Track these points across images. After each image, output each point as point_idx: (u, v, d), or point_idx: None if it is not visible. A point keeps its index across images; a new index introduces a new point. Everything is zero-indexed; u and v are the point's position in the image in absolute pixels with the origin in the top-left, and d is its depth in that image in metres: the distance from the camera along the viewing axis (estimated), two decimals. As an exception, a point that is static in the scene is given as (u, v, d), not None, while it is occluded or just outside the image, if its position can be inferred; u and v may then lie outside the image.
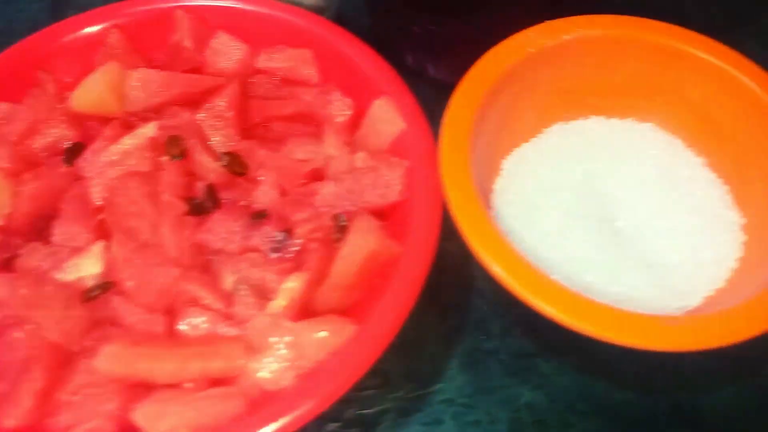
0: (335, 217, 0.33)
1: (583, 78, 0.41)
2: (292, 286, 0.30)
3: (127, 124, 0.37)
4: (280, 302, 0.30)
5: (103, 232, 0.34)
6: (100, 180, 0.35)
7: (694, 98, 0.39)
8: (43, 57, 0.39)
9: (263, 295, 0.31)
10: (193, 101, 0.37)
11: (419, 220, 0.32)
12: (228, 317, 0.31)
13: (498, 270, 0.32)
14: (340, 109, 0.36)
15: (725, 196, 0.39)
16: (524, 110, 0.40)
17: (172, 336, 0.31)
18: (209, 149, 0.36)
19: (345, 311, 0.33)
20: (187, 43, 0.38)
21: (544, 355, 0.38)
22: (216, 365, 0.29)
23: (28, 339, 0.30)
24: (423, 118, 0.36)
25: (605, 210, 0.39)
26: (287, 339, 0.30)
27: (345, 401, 0.35)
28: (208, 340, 0.30)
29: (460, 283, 0.40)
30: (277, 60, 0.39)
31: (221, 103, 0.36)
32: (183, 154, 0.36)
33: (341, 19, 0.49)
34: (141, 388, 0.30)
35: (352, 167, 0.34)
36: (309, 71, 0.39)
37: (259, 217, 0.34)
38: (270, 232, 0.33)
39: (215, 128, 0.36)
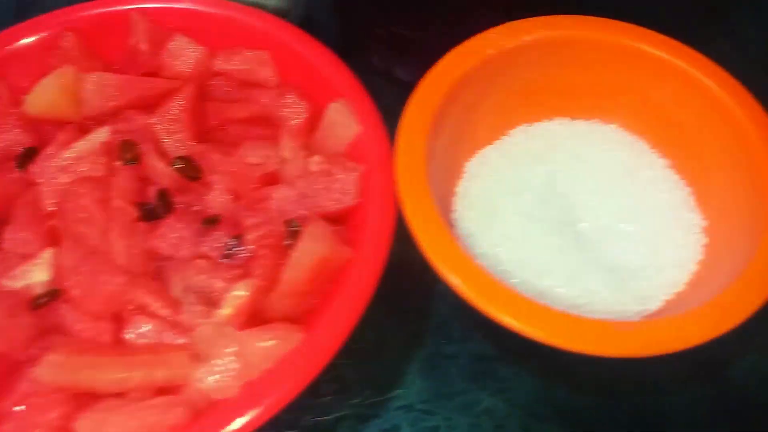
0: (288, 223, 0.33)
1: (546, 79, 0.40)
2: (238, 293, 0.30)
3: (83, 128, 0.37)
4: (225, 310, 0.30)
5: (54, 239, 0.33)
6: (52, 186, 0.34)
7: (656, 99, 0.39)
8: (-3, 61, 0.38)
9: (211, 302, 0.31)
10: (151, 105, 0.37)
11: (372, 225, 0.32)
12: (176, 325, 0.31)
13: (449, 276, 0.31)
14: (295, 111, 0.36)
15: (688, 198, 0.39)
16: (487, 112, 0.40)
17: (118, 344, 0.31)
18: (163, 153, 0.35)
19: (299, 318, 0.32)
20: (143, 46, 0.38)
21: (505, 360, 0.38)
22: (160, 374, 0.29)
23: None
24: (380, 121, 0.35)
25: (567, 212, 0.38)
26: (232, 348, 0.29)
27: (301, 408, 0.35)
28: (153, 348, 0.30)
29: (421, 287, 0.39)
30: (234, 62, 0.38)
31: (176, 106, 0.36)
32: (136, 159, 0.35)
33: (309, 22, 0.49)
34: (87, 397, 0.29)
35: (306, 171, 0.34)
36: (267, 73, 0.38)
37: (211, 222, 0.34)
38: (221, 238, 0.33)
39: (169, 132, 0.36)
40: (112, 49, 0.39)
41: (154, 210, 0.34)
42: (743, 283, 0.31)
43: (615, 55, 0.39)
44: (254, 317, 0.32)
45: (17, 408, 0.29)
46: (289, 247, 0.32)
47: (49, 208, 0.34)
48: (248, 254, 0.32)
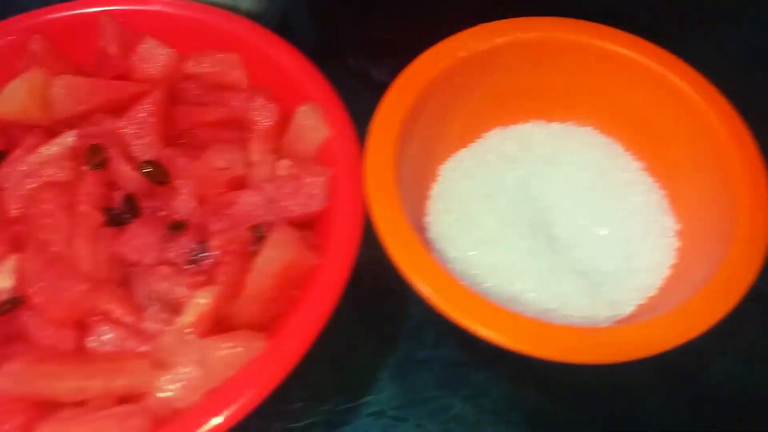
0: (253, 228, 0.32)
1: (521, 81, 0.40)
2: (200, 301, 0.30)
3: (51, 132, 0.36)
4: (187, 318, 0.29)
5: (18, 245, 0.33)
6: (17, 191, 0.34)
7: (630, 101, 0.39)
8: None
9: (174, 309, 0.31)
10: (120, 108, 0.37)
11: (339, 230, 0.32)
12: (139, 333, 0.31)
13: (416, 282, 0.31)
14: (264, 114, 0.35)
15: (662, 201, 0.38)
16: (460, 115, 0.40)
17: (81, 352, 0.30)
18: (130, 158, 0.35)
19: (265, 324, 0.32)
20: (113, 49, 0.37)
21: (477, 365, 0.38)
22: (120, 383, 0.29)
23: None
24: (350, 124, 0.35)
25: (541, 216, 0.38)
26: (194, 356, 0.29)
27: (271, 415, 0.35)
28: (115, 356, 0.30)
29: (394, 292, 0.39)
30: (204, 65, 0.38)
31: (144, 110, 0.35)
32: (104, 163, 0.35)
33: (286, 24, 0.49)
34: (48, 406, 0.29)
35: (274, 175, 0.34)
36: (237, 76, 0.38)
37: (176, 228, 0.33)
38: (186, 244, 0.32)
39: (137, 136, 0.35)
40: (82, 52, 0.39)
41: (120, 215, 0.34)
42: (712, 287, 0.31)
43: (588, 57, 0.38)
44: (220, 324, 0.31)
45: (-23, 417, 0.28)
46: (255, 253, 0.32)
47: (14, 214, 0.34)
48: (213, 260, 0.32)
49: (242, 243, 0.32)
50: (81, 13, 0.38)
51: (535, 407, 0.37)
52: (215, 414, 0.28)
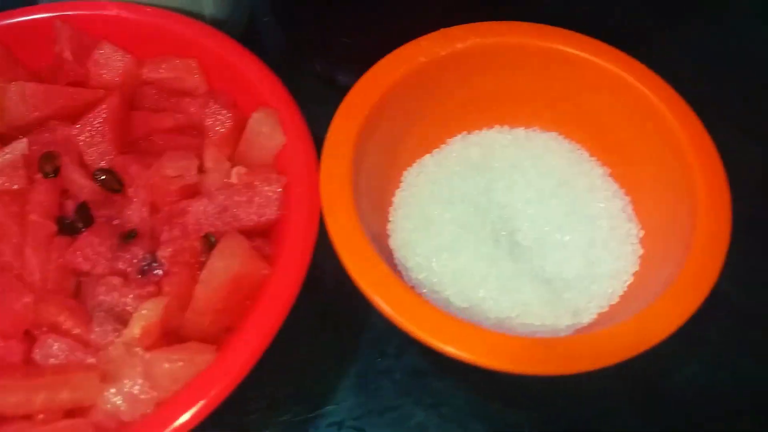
0: (205, 237, 0.32)
1: (484, 87, 0.39)
2: (146, 312, 0.29)
3: (5, 139, 0.36)
4: (134, 329, 0.29)
5: (-32, 255, 0.32)
6: (-33, 199, 0.33)
7: (594, 107, 0.38)
8: None
9: (123, 321, 0.30)
10: (76, 115, 0.36)
11: (292, 240, 0.31)
12: (87, 344, 0.30)
13: (369, 292, 0.30)
14: (219, 120, 0.35)
15: (627, 208, 0.38)
16: (424, 120, 0.39)
17: (28, 365, 0.30)
18: (84, 165, 0.34)
19: (217, 336, 0.31)
20: (68, 55, 0.37)
21: (439, 374, 0.37)
22: (66, 396, 0.28)
23: None
24: (307, 131, 0.35)
25: (504, 222, 0.38)
26: (140, 368, 0.28)
27: (227, 425, 0.35)
28: (62, 368, 0.29)
29: (356, 301, 0.38)
30: (162, 70, 0.37)
31: (98, 117, 0.35)
32: (57, 171, 0.34)
33: (252, 30, 0.48)
34: (-7, 420, 0.29)
35: (227, 183, 0.33)
36: (195, 81, 0.37)
37: (128, 237, 0.33)
38: (137, 254, 0.32)
39: (91, 143, 0.35)
40: (38, 58, 0.38)
41: (73, 224, 0.33)
42: (672, 295, 0.31)
43: (551, 62, 0.38)
44: (170, 335, 0.31)
45: None
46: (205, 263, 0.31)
47: (-36, 223, 0.33)
48: (161, 271, 0.31)
49: (192, 253, 0.31)
50: (36, 19, 0.38)
51: (498, 416, 0.36)
52: (162, 427, 0.27)
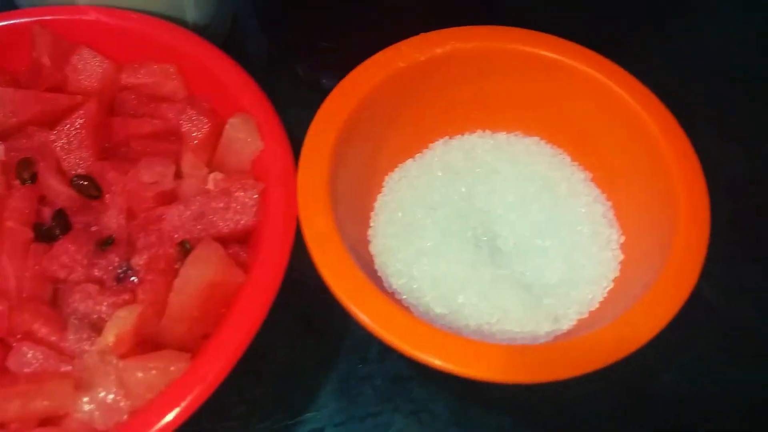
0: (180, 244, 0.32)
1: (465, 91, 0.39)
2: (120, 320, 0.29)
3: (-16, 145, 0.36)
4: (108, 337, 0.29)
5: (-57, 262, 0.32)
6: (-57, 206, 0.33)
7: (575, 111, 0.38)
8: None
9: (98, 328, 0.30)
10: (55, 121, 0.36)
11: (268, 246, 0.31)
12: (62, 352, 0.30)
13: (344, 300, 0.30)
14: (196, 126, 0.35)
15: (608, 213, 0.38)
16: (406, 125, 0.39)
17: (2, 372, 0.30)
18: (61, 172, 0.34)
19: (194, 343, 0.31)
20: (46, 60, 0.36)
21: (420, 380, 0.37)
22: (38, 404, 0.28)
23: None
24: (285, 137, 0.34)
25: (485, 227, 0.38)
26: (114, 377, 0.28)
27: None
28: (36, 377, 0.29)
29: (337, 306, 0.38)
30: (140, 76, 0.37)
31: (75, 122, 0.35)
32: (35, 178, 0.34)
33: (237, 36, 0.48)
34: (-34, 429, 0.28)
35: (204, 190, 0.33)
36: (174, 87, 0.37)
37: (105, 244, 0.33)
38: (113, 261, 0.32)
39: (69, 149, 0.34)
40: (17, 63, 0.38)
41: (49, 231, 0.33)
42: (649, 301, 0.31)
43: (532, 66, 0.38)
44: (147, 342, 0.31)
45: None
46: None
47: (-61, 230, 0.33)
48: (136, 278, 0.31)
49: (167, 260, 0.31)
50: (15, 24, 0.38)
51: (479, 422, 0.36)
52: (135, 436, 0.27)
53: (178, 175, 0.34)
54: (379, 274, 0.36)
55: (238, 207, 0.32)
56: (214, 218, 0.32)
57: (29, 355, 0.30)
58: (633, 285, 0.34)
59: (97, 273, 0.32)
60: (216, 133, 0.35)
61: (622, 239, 0.37)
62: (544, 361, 0.30)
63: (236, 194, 0.32)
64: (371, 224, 0.38)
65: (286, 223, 0.32)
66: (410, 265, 0.36)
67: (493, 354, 0.30)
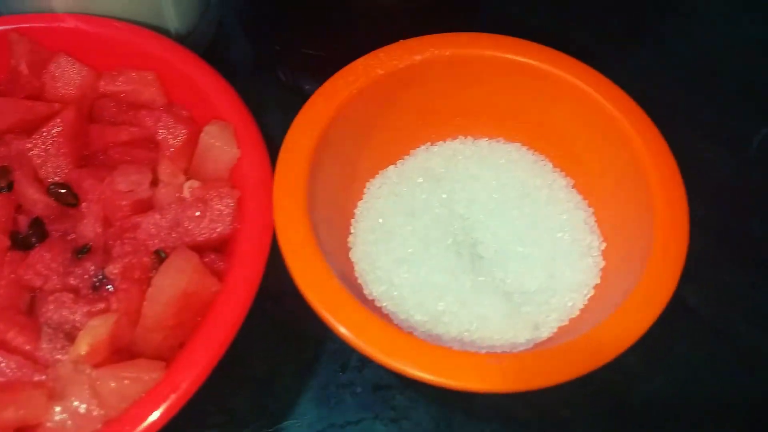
0: (156, 253, 0.32)
1: (446, 98, 0.39)
2: (93, 330, 0.29)
3: (-38, 153, 0.35)
4: (81, 346, 0.29)
5: None
6: None
7: (556, 118, 0.38)
8: None
9: (72, 338, 0.30)
10: (33, 129, 0.36)
11: (243, 255, 0.31)
12: (37, 361, 0.30)
13: (319, 309, 0.30)
14: (173, 133, 0.35)
15: (589, 220, 0.38)
16: (387, 131, 0.39)
17: (-24, 382, 0.30)
18: (38, 180, 0.34)
19: (170, 352, 0.31)
20: (23, 68, 0.36)
21: (401, 388, 0.37)
22: (11, 414, 0.28)
23: None
24: (262, 144, 0.34)
25: (466, 234, 0.37)
26: (87, 386, 0.28)
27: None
28: (9, 386, 0.29)
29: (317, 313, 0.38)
30: (120, 83, 0.37)
31: (52, 130, 0.34)
32: (11, 186, 0.34)
33: (221, 42, 0.48)
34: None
35: (179, 198, 0.33)
36: (152, 94, 0.37)
37: (81, 252, 0.32)
38: (89, 269, 0.32)
39: (45, 157, 0.34)
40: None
41: (26, 239, 0.33)
42: (627, 311, 0.31)
43: (511, 73, 0.38)
44: (122, 351, 0.31)
45: None
46: (155, 279, 0.31)
47: None
48: (111, 287, 0.31)
49: (142, 269, 0.31)
50: (-8, 31, 0.38)
51: (460, 430, 0.36)
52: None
53: (155, 182, 0.34)
54: (359, 281, 0.36)
55: (214, 215, 0.32)
56: (190, 226, 0.32)
57: (2, 365, 0.29)
58: (613, 292, 0.34)
59: (73, 281, 0.32)
60: (193, 141, 0.35)
61: (603, 246, 0.36)
62: (523, 369, 0.29)
63: (212, 202, 0.32)
64: (352, 231, 0.38)
65: (262, 232, 0.32)
66: (390, 273, 0.36)
67: (471, 363, 0.30)
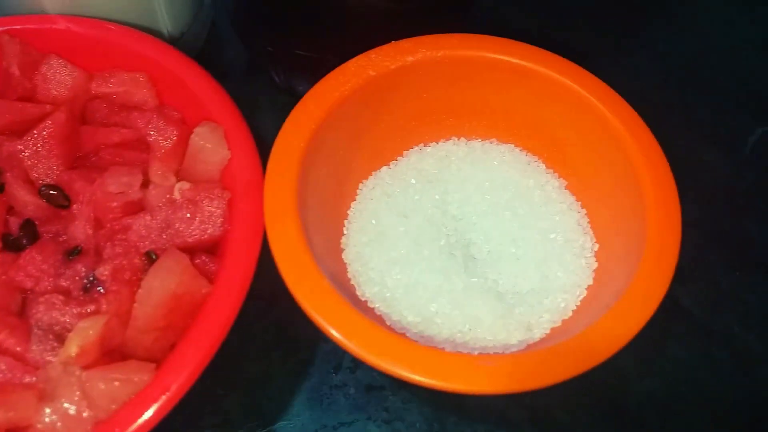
0: (147, 254, 0.32)
1: (438, 99, 0.39)
2: (83, 331, 0.29)
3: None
4: (71, 348, 0.29)
5: None
6: None
7: (548, 119, 0.38)
8: None
9: (63, 339, 0.30)
10: (24, 130, 0.36)
11: (234, 256, 0.31)
12: (28, 363, 0.30)
13: (309, 311, 0.30)
14: (164, 135, 0.34)
15: (582, 221, 0.37)
16: (378, 132, 0.39)
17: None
18: (29, 181, 0.34)
19: (161, 353, 0.31)
20: (15, 69, 0.36)
21: (394, 389, 0.37)
22: (2, 415, 0.28)
23: None
24: (253, 145, 0.34)
25: (459, 236, 0.37)
26: (77, 388, 0.28)
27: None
28: (-1, 387, 0.29)
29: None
30: (111, 84, 0.37)
31: (43, 132, 0.34)
32: (2, 188, 0.34)
33: (215, 43, 0.48)
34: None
35: (170, 199, 0.33)
36: (144, 95, 0.37)
37: (73, 253, 0.32)
38: (80, 271, 0.31)
39: (37, 159, 0.34)
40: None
41: (17, 241, 0.33)
42: (618, 312, 0.30)
43: (504, 74, 0.37)
44: (113, 353, 0.31)
45: None
46: (146, 280, 0.31)
47: None
48: (102, 289, 0.31)
49: (133, 270, 0.31)
50: (-18, 33, 0.37)
51: (453, 430, 0.36)
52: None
53: (146, 184, 0.34)
54: (352, 282, 0.36)
55: (205, 217, 0.32)
56: (180, 228, 0.32)
57: (-7, 366, 0.29)
58: (606, 293, 0.34)
59: (64, 283, 0.32)
60: (184, 143, 0.35)
61: (596, 247, 0.36)
62: (516, 371, 0.29)
63: (202, 204, 0.32)
64: (345, 232, 0.38)
65: (252, 233, 0.32)
66: (383, 274, 0.36)
67: (463, 365, 0.29)
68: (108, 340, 0.30)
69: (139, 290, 0.30)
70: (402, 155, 0.40)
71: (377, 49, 0.37)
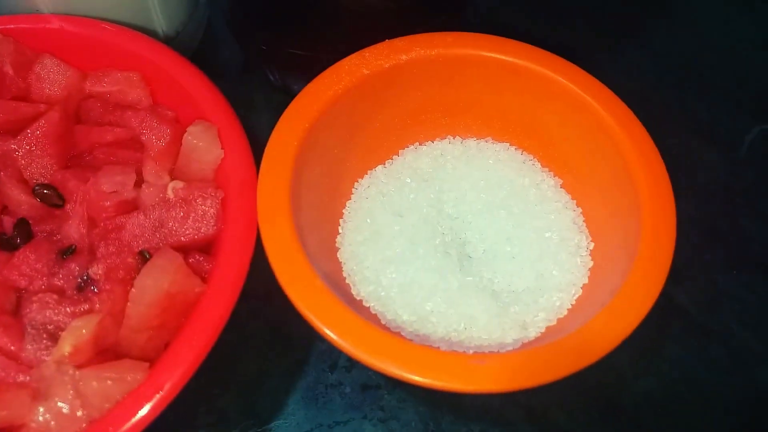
0: (140, 253, 0.32)
1: (433, 98, 0.39)
2: (76, 330, 0.29)
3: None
4: (64, 347, 0.28)
5: None
6: None
7: (544, 118, 0.38)
8: None
9: (56, 338, 0.30)
10: (18, 130, 0.36)
11: (227, 255, 0.31)
12: (21, 362, 0.30)
13: (301, 308, 0.30)
14: (158, 134, 0.34)
15: (577, 219, 0.37)
16: (373, 131, 0.39)
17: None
18: (23, 181, 0.34)
19: (155, 352, 0.31)
20: (8, 68, 0.36)
21: (389, 388, 0.37)
22: (-5, 414, 0.28)
23: None
24: (246, 145, 0.34)
25: (454, 234, 0.37)
26: (71, 387, 0.28)
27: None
28: (-8, 386, 0.29)
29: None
30: (105, 84, 0.37)
31: (37, 131, 0.34)
32: (-6, 188, 0.34)
33: (210, 43, 0.48)
34: None
35: (164, 198, 0.33)
36: (138, 95, 0.37)
37: (66, 253, 0.32)
38: (74, 270, 0.31)
39: (30, 158, 0.34)
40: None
41: (10, 240, 0.33)
42: (613, 311, 0.30)
43: (499, 73, 0.37)
44: (108, 352, 0.31)
45: None
46: (140, 279, 0.31)
47: None
48: (96, 288, 0.31)
49: (126, 269, 0.31)
50: (-23, 33, 0.37)
51: (449, 429, 0.36)
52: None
53: (140, 183, 0.34)
54: (347, 281, 0.36)
55: (198, 216, 0.32)
56: (174, 227, 0.32)
57: (-14, 365, 0.29)
58: (601, 291, 0.33)
59: (57, 282, 0.32)
60: (178, 142, 0.35)
61: (592, 246, 0.36)
62: (511, 369, 0.29)
63: (196, 203, 0.32)
64: (340, 231, 0.38)
65: (246, 232, 0.32)
66: (378, 273, 0.36)
67: (458, 364, 0.29)
68: (101, 339, 0.30)
69: (133, 289, 0.29)
70: (397, 154, 0.40)
71: (371, 48, 0.37)
